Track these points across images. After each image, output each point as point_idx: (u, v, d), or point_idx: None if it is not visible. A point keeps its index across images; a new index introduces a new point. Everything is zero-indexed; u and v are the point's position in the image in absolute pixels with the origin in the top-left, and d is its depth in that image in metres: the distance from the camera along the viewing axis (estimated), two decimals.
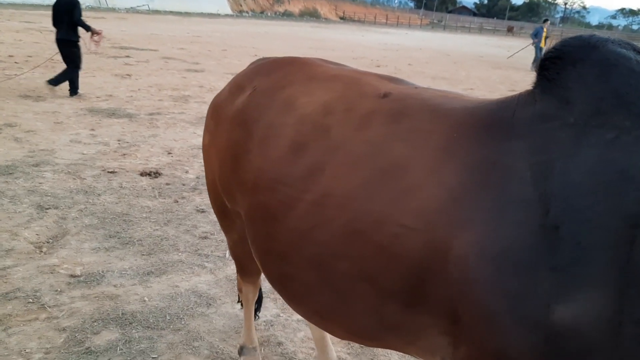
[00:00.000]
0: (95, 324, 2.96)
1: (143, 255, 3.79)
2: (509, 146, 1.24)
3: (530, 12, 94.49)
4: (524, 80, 15.73)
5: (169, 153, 6.20)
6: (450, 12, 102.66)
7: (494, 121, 1.31)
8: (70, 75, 8.82)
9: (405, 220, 1.31)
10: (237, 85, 2.04)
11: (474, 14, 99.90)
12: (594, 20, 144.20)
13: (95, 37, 8.85)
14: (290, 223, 1.57)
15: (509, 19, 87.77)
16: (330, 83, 1.76)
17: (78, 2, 8.65)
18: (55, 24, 8.69)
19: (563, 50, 1.29)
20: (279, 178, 1.63)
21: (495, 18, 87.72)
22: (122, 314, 3.07)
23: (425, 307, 1.29)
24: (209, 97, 8.69)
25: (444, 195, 1.27)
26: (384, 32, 40.34)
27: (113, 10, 34.90)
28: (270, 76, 1.93)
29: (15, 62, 11.04)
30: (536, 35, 20.38)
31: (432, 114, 1.45)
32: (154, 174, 5.45)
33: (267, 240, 1.68)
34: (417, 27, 64.06)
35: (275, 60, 2.09)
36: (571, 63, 1.26)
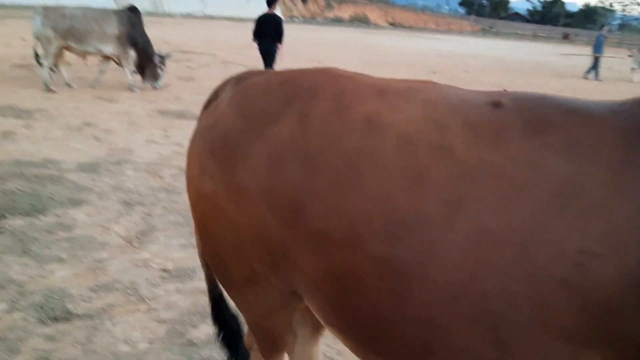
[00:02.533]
0: (193, 317, 3.07)
1: None
2: None
3: (586, 19, 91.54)
4: (585, 88, 15.31)
5: None
6: (502, 18, 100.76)
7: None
8: None
9: (591, 246, 1.16)
10: (259, 111, 1.56)
11: (527, 21, 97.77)
12: None
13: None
14: (434, 276, 1.27)
15: (564, 25, 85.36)
16: (411, 94, 1.49)
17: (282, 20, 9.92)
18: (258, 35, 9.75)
19: None
20: (399, 220, 1.30)
21: (549, 25, 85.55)
22: None
23: (607, 347, 1.17)
24: None
25: (635, 212, 1.15)
26: (435, 39, 39.99)
27: (169, 15, 35.96)
28: (317, 96, 1.51)
29: (86, 65, 11.54)
30: (599, 46, 19.75)
31: (581, 121, 1.30)
32: None
33: (391, 305, 1.34)
34: (468, 33, 63.15)
35: (301, 75, 1.65)
36: None
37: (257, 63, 10.05)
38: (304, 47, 21.18)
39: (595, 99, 1.41)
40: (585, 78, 18.94)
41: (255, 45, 9.86)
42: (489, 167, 1.28)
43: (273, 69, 10.92)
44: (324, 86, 1.55)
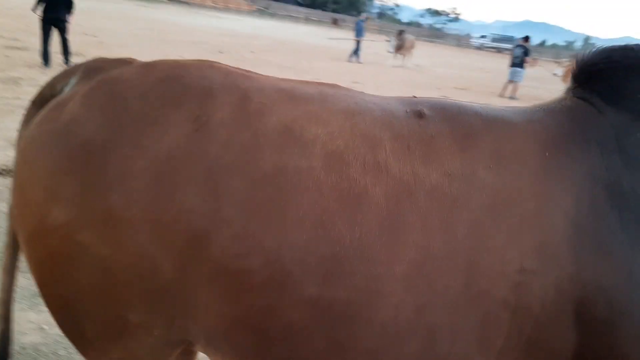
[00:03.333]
0: None
1: None
2: (606, 161, 1.22)
3: (351, 6, 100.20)
4: (361, 72, 16.71)
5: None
6: (276, 0, 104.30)
7: (570, 134, 1.28)
8: None
9: (529, 263, 1.14)
10: (135, 116, 1.20)
11: (299, 4, 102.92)
12: (404, 17, 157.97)
13: None
14: (379, 316, 1.13)
15: (332, 11, 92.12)
16: (328, 102, 1.31)
17: None
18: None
19: (621, 62, 1.33)
20: (337, 253, 1.12)
21: (319, 9, 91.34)
22: None
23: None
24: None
25: (564, 222, 1.16)
26: (215, 17, 39.49)
27: None
28: (215, 98, 1.24)
29: None
30: (360, 31, 21.68)
31: (504, 132, 1.30)
32: None
33: (327, 356, 1.17)
34: (245, 12, 63.94)
35: (186, 70, 1.30)
36: (628, 69, 1.30)
37: (18, 34, 8.69)
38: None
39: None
40: (349, 61, 20.57)
41: (33, 15, 8.53)
42: (426, 185, 1.19)
43: (68, 41, 9.96)
44: (221, 86, 1.26)
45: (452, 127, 1.28)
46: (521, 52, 16.62)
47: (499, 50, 54.79)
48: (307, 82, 1.41)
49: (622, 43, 1.40)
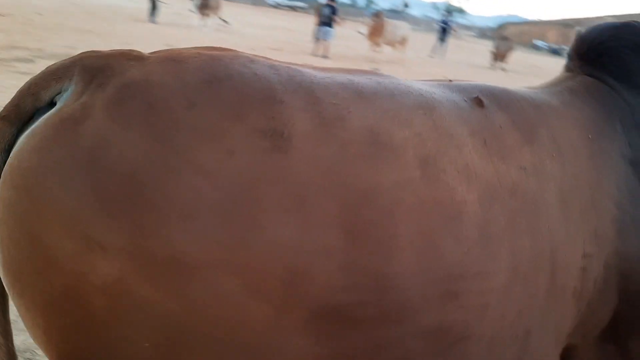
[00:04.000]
0: None
1: None
2: (628, 137, 1.32)
3: None
4: (172, 35, 15.83)
5: None
6: None
7: (600, 114, 1.33)
8: None
9: (588, 248, 1.19)
10: (186, 129, 0.96)
11: None
12: None
13: None
14: (490, 330, 1.10)
15: None
16: (396, 97, 1.16)
17: None
18: None
19: (629, 39, 1.41)
20: (452, 274, 1.06)
21: None
22: None
23: (575, 339, 1.25)
24: None
25: (612, 205, 1.23)
26: None
27: None
28: (286, 105, 1.03)
29: None
30: None
31: (550, 118, 1.30)
32: None
33: None
34: None
35: (230, 68, 1.06)
36: (635, 48, 1.40)
37: None
38: None
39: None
40: (151, 22, 19.28)
41: None
42: (508, 184, 1.15)
43: None
44: (281, 86, 1.05)
45: (511, 116, 1.25)
46: (329, 11, 17.24)
47: (294, 8, 56.19)
48: (348, 70, 1.23)
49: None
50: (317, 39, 17.09)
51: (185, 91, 1.00)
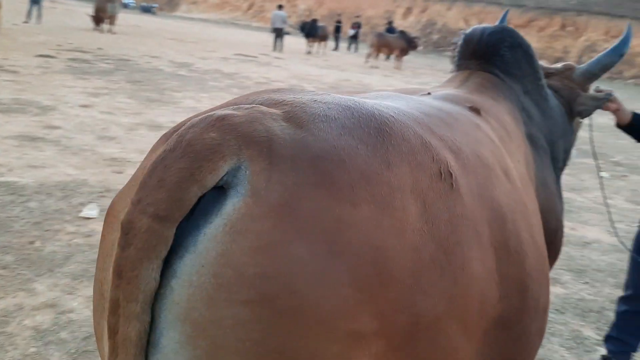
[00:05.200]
0: None
1: None
2: (522, 117, 1.79)
3: None
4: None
5: None
6: None
7: (510, 103, 1.77)
8: None
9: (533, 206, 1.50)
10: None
11: None
12: None
13: None
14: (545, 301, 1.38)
15: None
16: (452, 120, 1.29)
17: None
18: None
19: (511, 42, 1.87)
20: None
21: None
22: None
23: None
24: None
25: (534, 174, 1.67)
26: None
27: None
28: (433, 147, 1.07)
29: None
30: None
31: (501, 114, 1.67)
32: None
33: None
34: None
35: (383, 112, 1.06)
36: (510, 47, 1.85)
37: None
38: None
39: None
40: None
41: None
42: (522, 178, 1.49)
43: None
44: (418, 126, 1.12)
45: (493, 117, 1.58)
46: None
47: None
48: (393, 96, 1.41)
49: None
50: None
51: (376, 151, 0.96)
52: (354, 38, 29.87)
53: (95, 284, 1.00)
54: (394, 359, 0.90)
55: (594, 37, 32.48)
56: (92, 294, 1.31)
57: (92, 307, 1.37)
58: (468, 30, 2.03)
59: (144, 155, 1.09)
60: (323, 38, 24.41)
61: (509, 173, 1.33)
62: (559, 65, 2.35)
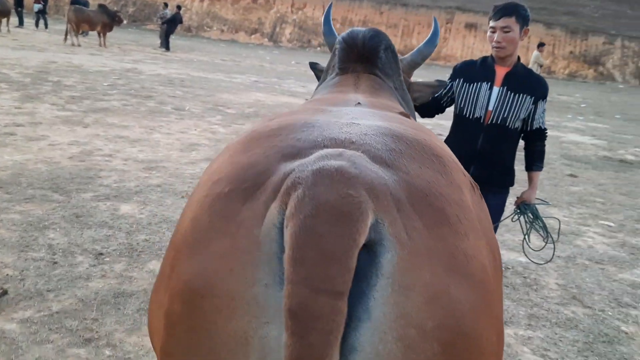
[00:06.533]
0: None
1: None
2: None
3: None
4: None
5: None
6: None
7: (397, 100, 1.92)
8: None
9: None
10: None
11: None
12: None
13: None
14: None
15: None
16: (423, 133, 1.28)
17: None
18: None
19: (387, 46, 2.02)
20: None
21: None
22: None
23: None
24: None
25: None
26: None
27: None
28: (450, 161, 1.14)
29: None
30: None
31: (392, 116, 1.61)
32: None
33: None
34: None
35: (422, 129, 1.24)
36: (385, 49, 2.00)
37: None
38: None
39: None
40: None
41: None
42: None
43: None
44: (432, 142, 1.19)
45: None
46: None
47: None
48: (370, 114, 1.33)
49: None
50: None
51: (448, 177, 1.01)
52: (41, 13, 25.96)
53: None
54: None
55: (283, 9, 35.58)
56: None
57: None
58: (345, 34, 2.08)
59: None
60: (4, 14, 20.59)
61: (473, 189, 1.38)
62: None
